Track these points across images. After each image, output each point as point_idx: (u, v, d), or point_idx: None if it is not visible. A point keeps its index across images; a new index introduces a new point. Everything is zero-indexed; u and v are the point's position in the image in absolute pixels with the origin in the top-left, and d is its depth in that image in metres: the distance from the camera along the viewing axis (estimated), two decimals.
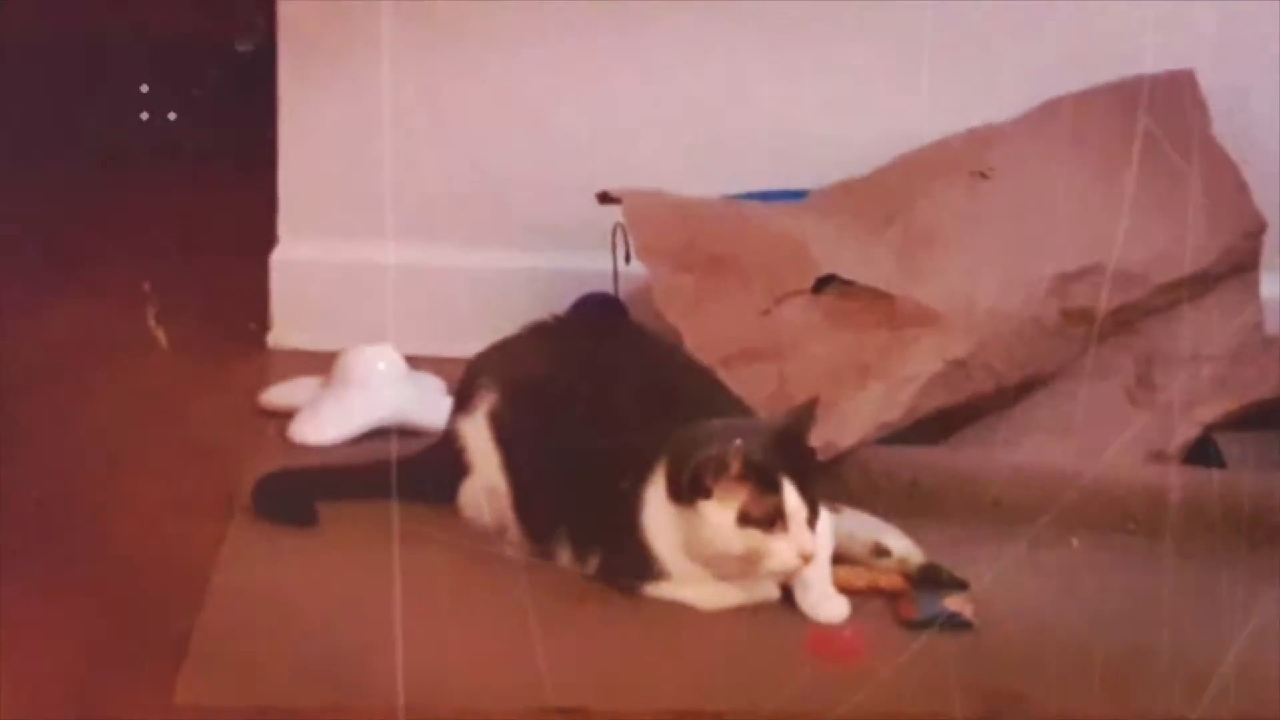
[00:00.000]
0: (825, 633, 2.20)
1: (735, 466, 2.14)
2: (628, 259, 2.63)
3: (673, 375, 2.36)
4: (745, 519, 2.15)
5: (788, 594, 2.24)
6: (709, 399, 2.32)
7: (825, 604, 2.22)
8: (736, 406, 2.33)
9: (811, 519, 2.17)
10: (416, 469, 2.43)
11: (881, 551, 2.30)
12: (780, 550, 2.15)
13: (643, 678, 2.11)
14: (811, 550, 2.15)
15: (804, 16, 2.82)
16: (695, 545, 2.18)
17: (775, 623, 2.20)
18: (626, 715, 2.06)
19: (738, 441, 2.14)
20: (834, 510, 2.31)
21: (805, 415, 2.22)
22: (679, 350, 2.44)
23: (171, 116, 3.44)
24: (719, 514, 2.15)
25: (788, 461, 2.15)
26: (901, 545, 2.31)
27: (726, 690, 2.10)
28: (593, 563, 2.26)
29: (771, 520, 2.14)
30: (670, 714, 2.06)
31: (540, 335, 2.41)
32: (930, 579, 2.27)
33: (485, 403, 2.35)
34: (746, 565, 2.17)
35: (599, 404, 2.28)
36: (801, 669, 2.15)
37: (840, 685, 2.12)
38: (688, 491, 2.16)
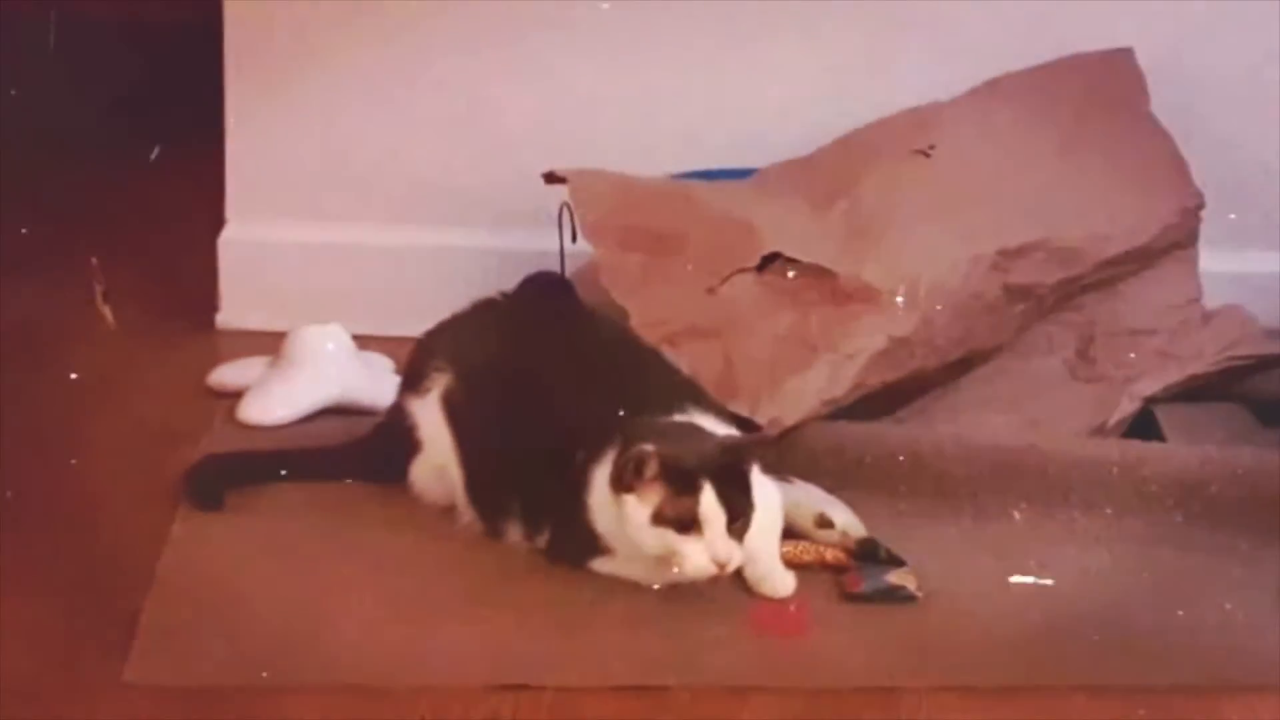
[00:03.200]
0: (771, 607, 2.22)
1: (653, 467, 2.15)
2: (574, 238, 2.63)
3: (621, 355, 2.37)
4: (659, 518, 2.15)
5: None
6: (657, 378, 2.34)
7: (772, 578, 2.24)
8: (684, 384, 2.34)
9: (737, 529, 2.16)
10: (365, 449, 2.44)
11: (825, 523, 2.32)
12: (693, 554, 2.15)
13: (591, 653, 2.13)
14: (727, 559, 2.15)
15: None
16: (622, 535, 2.20)
17: (721, 598, 2.22)
18: (575, 690, 2.07)
19: (648, 446, 2.14)
20: (785, 481, 2.33)
21: (752, 443, 2.25)
22: (626, 329, 2.46)
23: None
24: (638, 510, 2.16)
25: (715, 471, 2.15)
26: (844, 518, 2.33)
27: (674, 665, 2.11)
28: (542, 539, 2.28)
29: (686, 523, 2.15)
30: (618, 689, 2.08)
31: (490, 314, 2.42)
32: (869, 553, 2.30)
33: (438, 384, 2.36)
34: (664, 564, 2.18)
35: (549, 384, 2.30)
36: (748, 643, 2.17)
37: (786, 659, 2.15)
38: (614, 483, 2.18)
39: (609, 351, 2.36)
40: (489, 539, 2.32)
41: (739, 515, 2.16)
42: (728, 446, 2.20)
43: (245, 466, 2.43)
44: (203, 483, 2.39)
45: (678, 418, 2.25)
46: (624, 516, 2.17)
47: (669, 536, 2.15)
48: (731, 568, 2.16)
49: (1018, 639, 2.19)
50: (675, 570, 2.17)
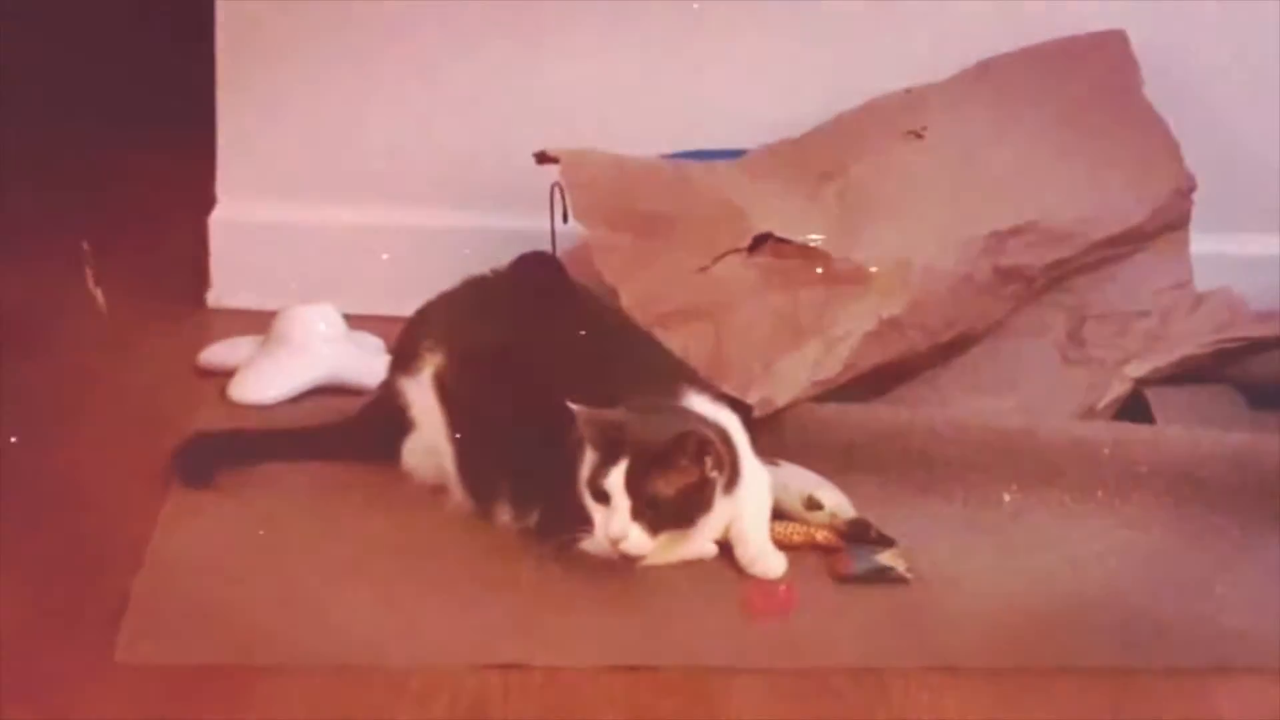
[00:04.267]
0: (761, 588, 2.22)
1: (586, 429, 2.16)
2: (565, 218, 2.63)
3: (612, 335, 2.37)
4: (586, 481, 2.17)
5: (726, 550, 2.26)
6: (648, 358, 2.34)
7: (763, 559, 2.24)
8: (675, 365, 2.35)
9: (648, 519, 2.14)
10: (356, 428, 2.44)
11: (814, 504, 2.32)
12: (598, 524, 2.16)
13: (582, 634, 2.13)
14: (618, 536, 2.14)
15: None
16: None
17: (712, 579, 2.22)
18: (565, 670, 2.07)
19: (580, 408, 2.15)
20: (772, 464, 2.33)
21: (705, 442, 2.18)
22: (617, 310, 2.46)
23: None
24: (582, 470, 2.18)
25: (642, 452, 2.13)
26: (833, 499, 2.33)
27: (665, 646, 2.11)
28: (531, 519, 2.28)
29: (598, 493, 2.15)
30: (609, 669, 2.08)
31: (481, 292, 2.41)
32: (858, 534, 2.30)
33: (430, 364, 2.36)
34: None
35: (540, 364, 2.30)
36: (738, 624, 2.17)
37: (776, 640, 2.15)
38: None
39: (600, 332, 2.36)
40: (479, 519, 2.32)
41: (651, 505, 2.14)
42: (680, 435, 2.16)
43: (235, 445, 2.43)
44: (192, 460, 2.39)
45: (673, 400, 2.24)
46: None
47: (590, 503, 2.16)
48: (630, 551, 2.15)
49: (1008, 621, 2.19)
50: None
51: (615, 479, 2.14)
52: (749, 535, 2.25)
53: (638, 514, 2.14)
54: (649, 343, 2.38)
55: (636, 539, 2.15)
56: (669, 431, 2.16)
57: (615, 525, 2.14)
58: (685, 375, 2.32)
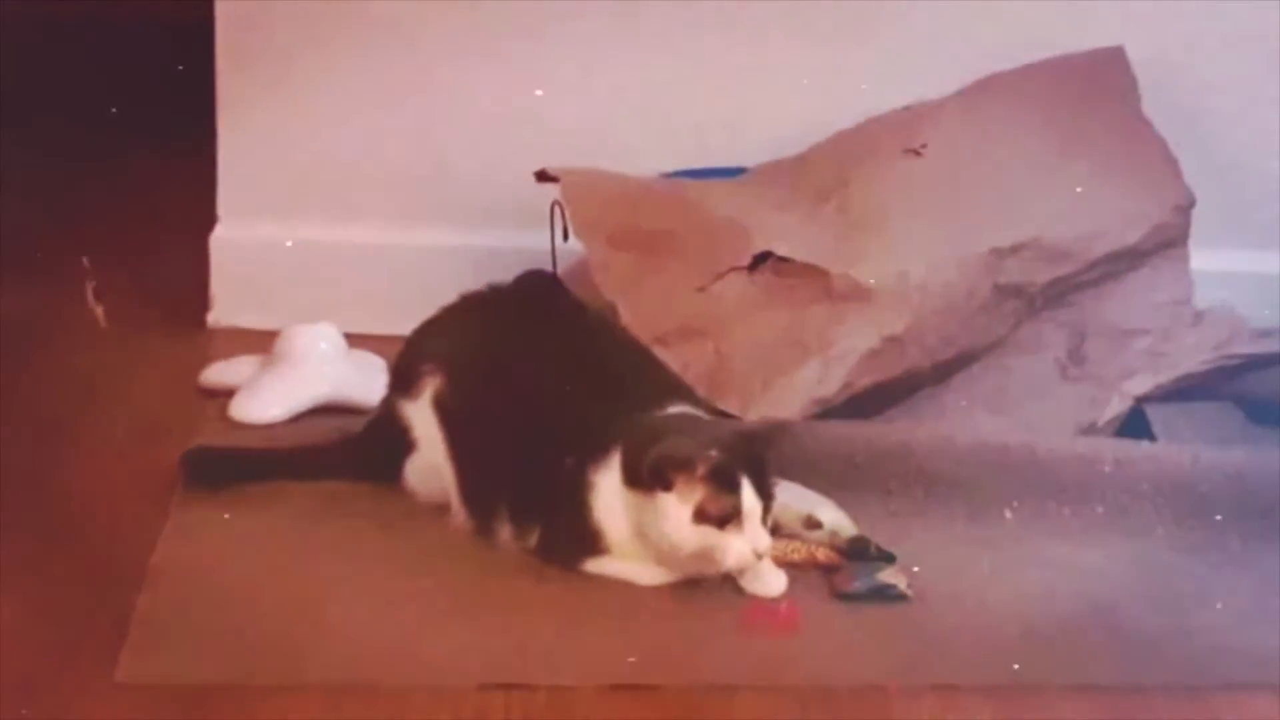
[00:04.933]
0: (762, 606, 2.22)
1: (702, 468, 2.14)
2: (566, 237, 2.64)
3: (612, 352, 2.37)
4: (701, 515, 2.15)
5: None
6: (647, 376, 2.34)
7: (764, 577, 2.24)
8: (674, 384, 2.35)
9: (766, 516, 2.18)
10: (358, 448, 2.44)
11: (813, 524, 2.32)
12: (735, 547, 2.16)
13: (582, 653, 2.12)
14: (766, 547, 2.17)
15: None
16: (650, 534, 2.19)
17: (712, 597, 2.22)
18: (566, 690, 2.07)
19: (713, 452, 2.15)
20: None
21: (772, 430, 2.27)
22: (617, 327, 2.46)
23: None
24: (677, 508, 2.16)
25: (748, 462, 2.16)
26: (832, 517, 2.33)
27: (665, 664, 2.11)
28: (532, 539, 2.28)
29: (727, 518, 2.15)
30: (609, 688, 2.08)
31: (479, 310, 2.41)
32: (859, 552, 2.30)
33: (430, 386, 2.35)
34: (700, 561, 2.18)
35: (539, 383, 2.30)
36: (739, 642, 2.17)
37: (777, 658, 2.15)
38: (648, 481, 2.16)
39: (599, 350, 2.36)
40: (481, 538, 2.32)
41: (768, 505, 2.18)
42: (750, 435, 2.21)
43: (236, 463, 2.43)
44: (199, 466, 2.39)
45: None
46: (658, 515, 2.16)
47: (710, 534, 2.15)
48: (765, 555, 2.19)
49: (1009, 638, 2.19)
50: (717, 564, 2.17)
51: (750, 498, 2.15)
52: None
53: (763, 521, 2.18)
54: (647, 361, 2.38)
55: (768, 541, 2.18)
56: (747, 433, 2.22)
57: (762, 539, 2.17)
58: (680, 393, 2.32)
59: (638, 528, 2.20)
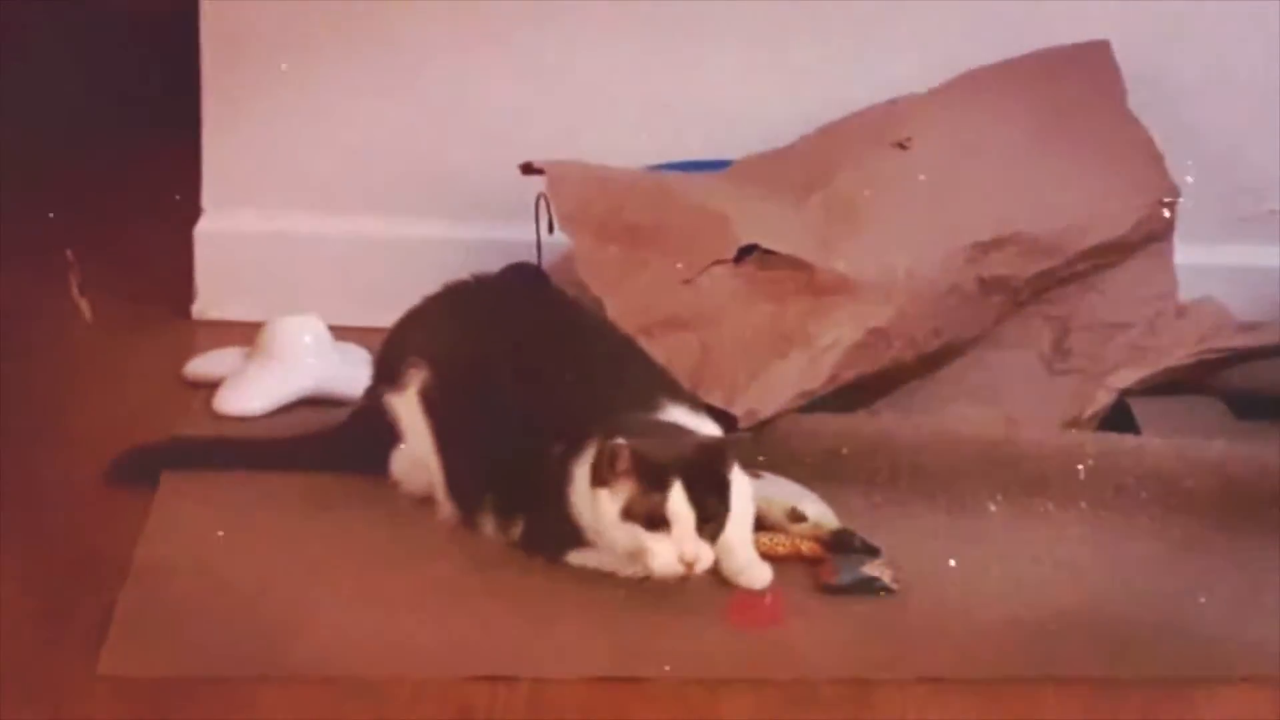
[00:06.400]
0: (747, 599, 2.22)
1: (624, 461, 2.14)
2: (551, 229, 2.63)
3: (596, 346, 2.37)
4: (628, 513, 2.15)
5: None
6: (632, 370, 2.34)
7: (749, 570, 2.24)
8: (660, 376, 2.35)
9: (709, 530, 2.14)
10: (343, 439, 2.44)
11: (797, 517, 2.32)
12: (660, 551, 2.14)
13: (567, 645, 2.13)
14: (693, 558, 2.13)
15: None
16: (598, 529, 2.20)
17: (698, 591, 2.22)
18: (550, 682, 2.07)
19: (621, 439, 2.13)
20: (755, 476, 2.33)
21: (728, 442, 2.23)
22: (602, 320, 2.46)
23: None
24: (609, 504, 2.16)
25: (688, 469, 2.13)
26: (816, 510, 2.33)
27: (649, 657, 2.11)
28: (516, 530, 2.28)
29: (655, 520, 2.14)
30: (594, 681, 2.08)
31: (463, 301, 2.41)
32: (843, 544, 2.30)
33: (415, 380, 2.35)
34: (634, 560, 2.17)
35: (524, 376, 2.29)
36: (724, 635, 2.17)
37: (762, 651, 2.15)
38: (593, 478, 2.18)
39: (584, 343, 2.36)
40: (466, 530, 2.32)
41: (711, 516, 2.15)
42: (705, 445, 2.19)
43: (220, 453, 2.43)
44: (180, 455, 2.40)
45: (654, 412, 2.24)
46: (598, 510, 2.17)
47: (638, 533, 2.15)
48: (700, 568, 2.15)
49: (993, 632, 2.19)
50: (643, 568, 2.16)
51: (678, 502, 2.12)
52: (735, 545, 2.24)
53: (700, 530, 2.14)
54: (630, 353, 2.38)
55: (706, 554, 2.15)
56: (701, 445, 2.18)
57: (689, 548, 2.13)
58: (665, 386, 2.31)
59: (595, 525, 2.20)
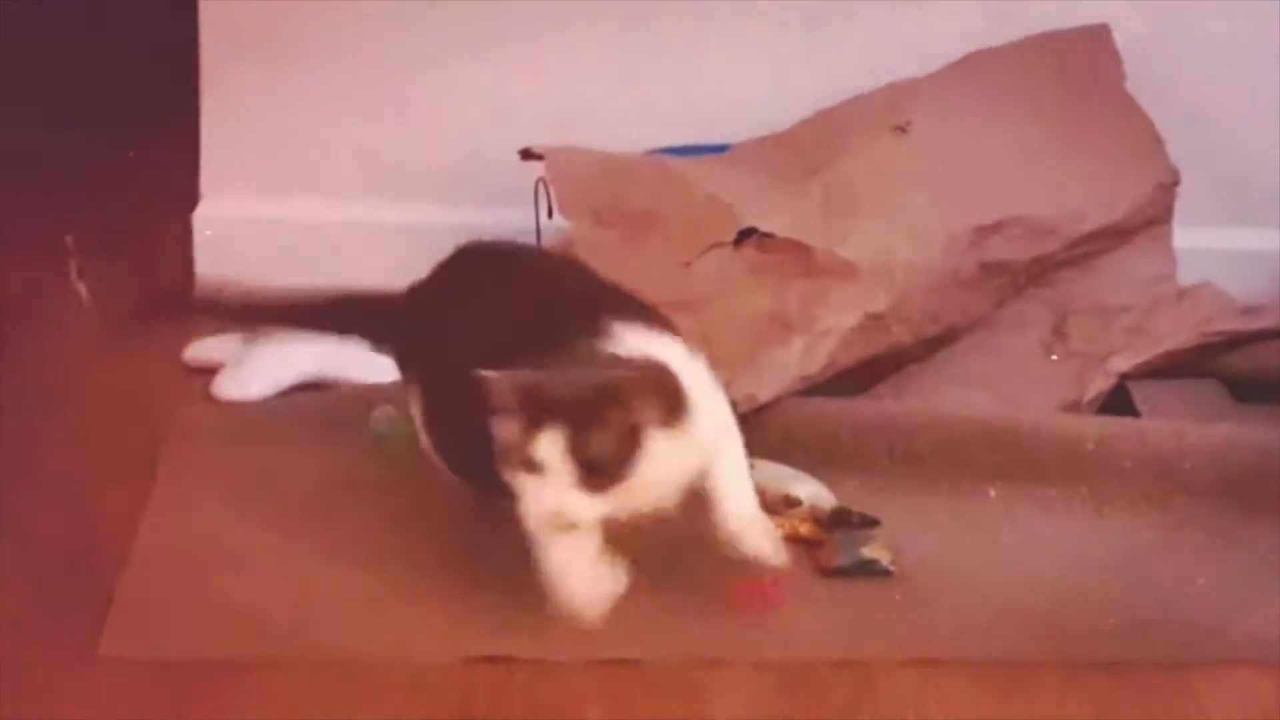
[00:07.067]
0: (748, 583, 2.22)
1: (498, 397, 1.96)
2: (550, 214, 2.63)
3: (539, 279, 2.23)
4: (505, 454, 1.98)
5: (705, 547, 2.23)
6: (577, 294, 2.17)
7: (753, 529, 2.13)
8: (609, 295, 2.16)
9: (598, 481, 1.96)
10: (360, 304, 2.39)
11: (792, 503, 2.32)
12: (531, 499, 1.98)
13: (564, 627, 2.12)
14: (559, 508, 1.96)
15: None
16: None
17: (697, 573, 2.22)
18: (548, 664, 2.08)
19: (492, 375, 1.95)
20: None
21: (634, 383, 1.97)
22: (553, 256, 2.39)
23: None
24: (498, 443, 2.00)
25: (569, 409, 1.94)
26: (810, 491, 2.32)
27: (648, 639, 2.11)
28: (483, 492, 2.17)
29: (528, 463, 1.96)
30: (594, 662, 2.08)
31: (423, 301, 2.31)
32: (841, 521, 2.30)
33: (413, 396, 2.27)
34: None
35: (471, 322, 2.17)
36: (722, 617, 2.17)
37: (760, 633, 2.15)
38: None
39: (526, 280, 2.22)
40: (466, 514, 2.31)
41: (600, 465, 1.95)
42: (600, 383, 1.95)
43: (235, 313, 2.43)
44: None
45: (596, 337, 2.02)
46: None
47: (518, 476, 1.98)
48: (581, 523, 1.98)
49: (992, 615, 2.19)
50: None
51: (547, 447, 1.94)
52: (731, 493, 2.09)
53: (580, 480, 1.96)
54: (578, 278, 2.21)
55: (578, 505, 1.97)
56: (591, 384, 1.95)
57: (550, 497, 1.96)
58: (612, 307, 2.08)
59: None
